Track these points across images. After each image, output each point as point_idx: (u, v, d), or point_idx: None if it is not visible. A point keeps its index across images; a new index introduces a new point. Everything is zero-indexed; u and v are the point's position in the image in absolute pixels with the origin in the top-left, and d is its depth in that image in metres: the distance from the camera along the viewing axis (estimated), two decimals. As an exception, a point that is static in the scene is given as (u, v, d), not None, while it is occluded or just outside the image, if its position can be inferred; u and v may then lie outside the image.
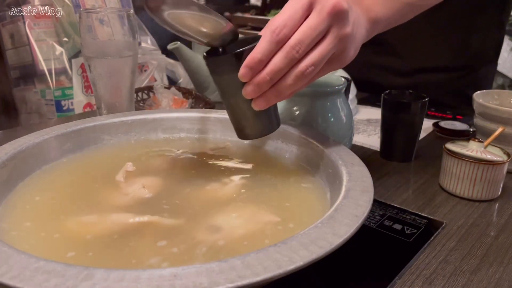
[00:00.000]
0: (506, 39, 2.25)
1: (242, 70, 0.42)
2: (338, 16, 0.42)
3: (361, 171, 0.43)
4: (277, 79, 0.42)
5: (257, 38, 0.43)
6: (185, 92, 0.92)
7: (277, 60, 0.41)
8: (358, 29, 0.46)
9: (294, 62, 0.42)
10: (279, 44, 0.41)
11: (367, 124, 0.89)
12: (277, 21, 0.41)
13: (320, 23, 0.41)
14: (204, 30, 0.45)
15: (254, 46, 0.42)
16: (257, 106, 0.44)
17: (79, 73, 1.23)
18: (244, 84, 0.43)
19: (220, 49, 0.48)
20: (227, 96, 0.46)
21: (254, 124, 0.47)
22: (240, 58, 0.43)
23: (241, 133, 0.49)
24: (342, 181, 0.42)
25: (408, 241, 0.49)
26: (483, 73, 1.06)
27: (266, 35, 0.41)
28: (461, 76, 1.03)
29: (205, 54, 0.46)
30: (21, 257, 0.29)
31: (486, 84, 1.08)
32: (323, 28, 0.41)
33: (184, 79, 1.35)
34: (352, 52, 0.46)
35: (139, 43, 1.33)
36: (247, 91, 0.43)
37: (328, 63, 0.45)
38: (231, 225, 0.41)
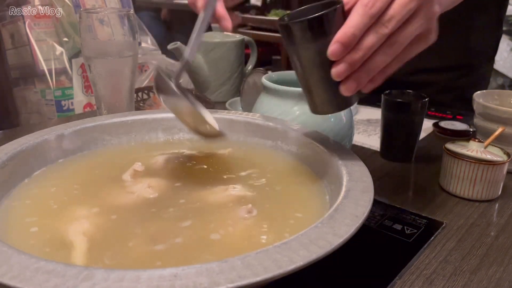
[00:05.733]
0: (506, 39, 2.25)
1: (333, 47, 0.40)
2: None
3: (361, 171, 0.43)
4: (368, 56, 0.41)
5: (332, 3, 0.40)
6: (185, 92, 0.92)
7: (369, 36, 0.40)
8: (442, 8, 0.45)
9: (384, 38, 0.40)
10: (372, 18, 0.39)
11: (367, 124, 0.89)
12: None
13: (412, 1, 0.40)
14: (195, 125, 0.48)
15: (337, 8, 0.40)
16: (347, 89, 0.42)
17: (79, 73, 1.23)
18: (322, 55, 0.40)
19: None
20: (305, 68, 0.43)
21: (334, 99, 0.44)
22: (325, 21, 0.40)
23: (319, 108, 0.46)
24: (342, 181, 0.42)
25: (408, 241, 0.49)
26: (482, 72, 1.06)
27: (358, 9, 0.39)
28: (461, 76, 1.03)
29: (279, 21, 0.43)
30: (21, 257, 0.29)
31: (485, 83, 1.08)
32: (413, 6, 0.40)
33: (184, 79, 1.35)
34: (435, 32, 0.44)
35: (139, 43, 1.33)
36: (339, 71, 0.41)
37: (416, 42, 0.43)
38: (232, 225, 0.41)
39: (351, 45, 0.40)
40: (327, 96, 0.44)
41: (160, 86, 0.49)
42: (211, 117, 0.51)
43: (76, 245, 0.37)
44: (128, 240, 0.38)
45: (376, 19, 0.40)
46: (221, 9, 0.55)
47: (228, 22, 0.55)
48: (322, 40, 0.40)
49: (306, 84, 0.45)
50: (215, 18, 0.55)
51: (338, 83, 0.42)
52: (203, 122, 0.46)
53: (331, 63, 0.41)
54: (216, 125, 0.48)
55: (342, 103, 0.45)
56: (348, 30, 0.39)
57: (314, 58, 0.42)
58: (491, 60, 1.10)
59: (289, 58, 0.45)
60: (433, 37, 0.44)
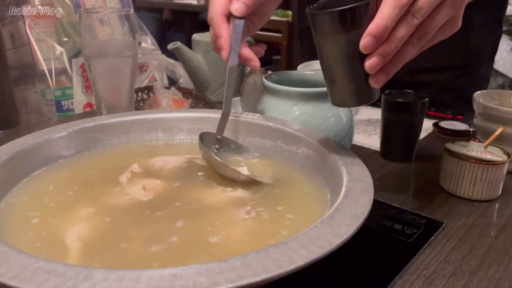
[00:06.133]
0: (506, 39, 2.25)
1: (366, 39, 0.39)
2: None
3: (361, 171, 0.43)
4: (398, 48, 0.41)
5: None
6: (185, 92, 0.92)
7: (401, 28, 0.40)
8: None
9: (413, 29, 0.40)
10: (403, 9, 0.39)
11: (367, 124, 0.89)
12: None
13: None
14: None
15: (368, 2, 0.40)
16: (377, 81, 0.42)
17: (79, 73, 1.23)
18: (352, 47, 0.40)
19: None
20: (333, 59, 0.42)
21: (360, 91, 0.43)
22: (357, 13, 0.39)
23: (344, 101, 0.45)
24: (342, 181, 0.42)
25: (408, 241, 0.49)
26: (482, 72, 1.06)
27: (389, 0, 0.39)
28: (460, 75, 1.03)
29: (308, 10, 0.42)
30: (21, 257, 0.29)
31: (484, 83, 1.08)
32: None
33: (184, 79, 1.35)
34: (461, 19, 0.44)
35: (139, 43, 1.33)
36: (372, 64, 0.40)
37: (442, 29, 0.43)
38: (230, 225, 0.41)
39: (383, 37, 0.39)
40: (353, 88, 0.43)
41: (203, 153, 0.51)
42: (245, 171, 0.52)
43: (69, 247, 0.37)
44: (122, 241, 0.38)
45: (406, 8, 0.39)
46: (246, 51, 0.53)
47: (255, 62, 0.54)
48: (354, 32, 0.40)
49: (332, 76, 0.44)
50: (242, 59, 0.54)
51: (365, 75, 0.42)
52: (238, 175, 0.49)
53: (361, 55, 0.41)
54: (248, 175, 0.50)
55: (366, 97, 0.44)
56: (381, 21, 0.39)
57: (344, 50, 0.41)
58: (491, 60, 1.10)
59: (316, 48, 0.44)
60: (458, 25, 0.44)
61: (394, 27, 0.40)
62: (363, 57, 0.41)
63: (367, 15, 0.40)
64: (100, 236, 0.39)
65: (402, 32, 0.40)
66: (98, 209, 0.43)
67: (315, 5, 0.43)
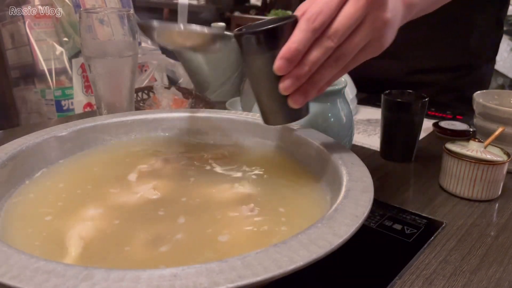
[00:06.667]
0: (506, 39, 2.25)
1: (278, 62, 0.40)
2: (376, 4, 0.40)
3: (361, 171, 0.43)
4: (314, 70, 0.41)
5: (288, 17, 0.41)
6: (185, 92, 0.92)
7: (314, 50, 0.40)
8: (397, 15, 0.44)
9: (330, 52, 0.40)
10: (316, 32, 0.39)
11: (367, 124, 0.89)
12: (313, 8, 0.39)
13: (357, 11, 0.39)
14: (194, 43, 0.46)
15: (285, 24, 0.40)
16: (295, 102, 0.42)
17: (79, 73, 1.23)
18: (270, 67, 0.41)
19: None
20: (255, 79, 0.44)
21: (284, 110, 0.44)
22: (272, 35, 0.41)
23: (269, 119, 0.46)
24: (342, 181, 0.42)
25: (408, 241, 0.49)
26: (482, 72, 1.06)
27: (302, 24, 0.39)
28: (461, 76, 1.03)
29: (235, 31, 0.43)
30: (21, 257, 0.29)
31: (485, 83, 1.08)
32: (360, 16, 0.40)
33: (184, 79, 1.35)
34: (390, 37, 0.43)
35: (139, 43, 1.33)
36: (285, 86, 0.41)
37: (364, 50, 0.43)
38: (234, 224, 0.41)
39: (295, 60, 0.40)
40: (277, 108, 0.45)
41: (145, 29, 0.47)
42: (199, 27, 0.48)
43: (70, 248, 0.37)
44: (128, 240, 0.38)
45: (321, 33, 0.40)
46: None
47: None
48: (271, 53, 0.41)
49: (258, 95, 0.45)
50: None
51: (285, 95, 0.43)
52: (198, 36, 0.45)
53: (280, 76, 0.41)
54: (208, 30, 0.47)
55: (293, 115, 0.45)
56: (292, 45, 0.39)
57: (263, 70, 0.42)
58: (492, 60, 1.10)
59: None
60: (384, 45, 0.43)
61: (308, 50, 0.40)
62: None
63: (283, 38, 0.40)
64: (104, 237, 0.39)
65: (316, 55, 0.40)
66: (102, 208, 0.43)
67: (243, 29, 0.44)
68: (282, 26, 0.41)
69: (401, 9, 0.46)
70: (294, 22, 0.41)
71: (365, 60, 0.44)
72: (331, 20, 0.39)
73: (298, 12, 0.41)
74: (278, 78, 0.42)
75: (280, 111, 0.45)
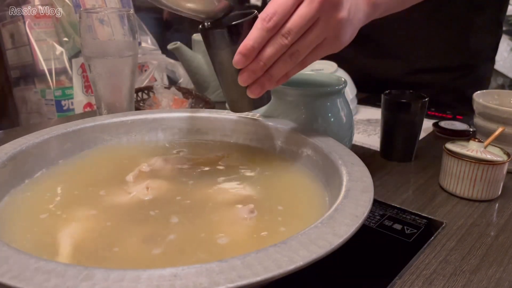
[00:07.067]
0: (506, 39, 2.25)
1: (236, 57, 0.44)
2: (329, 4, 0.43)
3: (361, 171, 0.43)
4: (269, 65, 0.45)
5: (250, 13, 0.45)
6: (185, 92, 0.92)
7: (269, 47, 0.43)
8: (356, 14, 0.47)
9: (284, 49, 0.44)
10: (270, 31, 0.43)
11: (367, 124, 0.89)
12: (269, 9, 0.43)
13: (310, 11, 0.42)
14: (196, 7, 0.46)
15: (244, 22, 0.44)
16: (252, 93, 0.46)
17: (79, 73, 1.23)
18: (229, 60, 0.45)
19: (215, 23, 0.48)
20: (219, 70, 0.48)
21: (246, 99, 0.48)
22: (233, 32, 0.44)
23: (234, 107, 0.51)
24: (342, 181, 0.42)
25: (408, 241, 0.49)
26: (482, 72, 1.06)
27: (258, 23, 0.43)
28: (460, 76, 1.03)
29: (200, 26, 0.47)
30: (21, 257, 0.29)
31: (485, 83, 1.08)
32: (313, 16, 0.43)
33: (184, 79, 1.35)
34: (348, 36, 0.47)
35: (139, 43, 1.33)
36: (243, 78, 0.45)
37: (321, 46, 0.46)
38: (233, 225, 0.41)
39: (251, 56, 0.44)
40: (239, 97, 0.49)
41: None
42: None
43: (62, 249, 0.37)
44: (122, 240, 0.38)
45: (275, 31, 0.43)
46: None
47: None
48: (231, 48, 0.45)
49: (222, 85, 0.49)
50: None
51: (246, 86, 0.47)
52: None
53: (240, 69, 0.46)
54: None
55: (255, 103, 0.50)
56: (248, 43, 0.43)
57: (225, 63, 0.47)
58: (491, 60, 1.10)
59: None
60: (342, 42, 0.47)
61: (264, 47, 0.44)
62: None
63: (242, 35, 0.44)
64: (100, 237, 0.39)
65: (270, 51, 0.43)
66: (100, 209, 0.43)
67: (206, 22, 0.48)
68: (241, 23, 0.44)
69: (363, 8, 0.49)
70: (254, 18, 0.44)
71: (325, 55, 0.47)
72: (286, 20, 0.43)
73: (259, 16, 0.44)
74: (238, 71, 0.46)
75: (242, 99, 0.49)
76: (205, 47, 0.48)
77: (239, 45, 0.44)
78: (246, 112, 0.57)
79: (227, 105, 0.53)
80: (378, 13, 0.53)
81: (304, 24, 0.43)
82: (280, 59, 0.45)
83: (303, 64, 0.47)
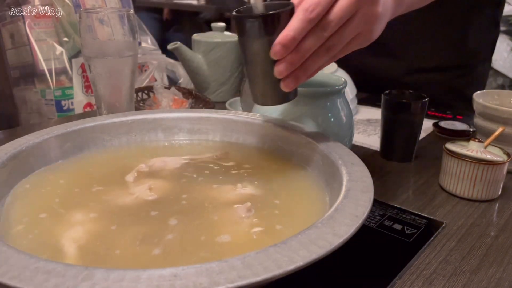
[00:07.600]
0: (506, 39, 2.25)
1: (276, 48, 0.42)
2: None
3: (361, 171, 0.43)
4: (306, 57, 0.44)
5: (286, 4, 0.43)
6: (185, 92, 0.92)
7: (308, 39, 0.43)
8: (387, 9, 0.47)
9: (323, 41, 0.43)
10: (311, 22, 0.42)
11: (367, 124, 0.89)
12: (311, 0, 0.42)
13: (350, 4, 0.42)
14: None
15: (283, 11, 0.43)
16: (287, 86, 0.45)
17: (79, 73, 1.23)
18: (268, 50, 0.43)
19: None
20: (250, 60, 0.46)
21: (275, 92, 0.47)
22: (270, 21, 0.43)
23: (261, 99, 0.49)
24: (342, 181, 0.42)
25: (408, 241, 0.49)
26: (479, 72, 1.07)
27: (299, 13, 0.42)
28: (459, 75, 1.04)
29: (234, 12, 0.45)
30: (21, 257, 0.29)
31: (482, 83, 1.08)
32: (352, 9, 0.42)
33: (184, 79, 1.35)
34: (379, 31, 0.47)
35: (139, 43, 1.33)
36: (280, 70, 0.44)
37: (354, 40, 0.45)
38: (231, 225, 0.41)
39: (291, 47, 0.43)
40: (268, 90, 0.47)
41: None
42: None
43: (66, 250, 0.37)
44: (121, 241, 0.38)
45: (315, 22, 0.42)
46: None
47: None
48: (268, 38, 0.43)
49: (251, 76, 0.48)
50: None
51: (278, 79, 0.45)
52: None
53: (274, 60, 0.44)
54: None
55: (282, 97, 0.48)
56: (289, 33, 0.42)
57: (259, 54, 0.45)
58: (489, 60, 1.10)
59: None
60: (372, 37, 0.47)
61: (303, 38, 0.43)
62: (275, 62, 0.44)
63: (280, 25, 0.43)
64: (102, 237, 0.39)
65: (310, 43, 0.43)
66: (101, 210, 0.43)
67: (241, 9, 0.46)
68: (281, 13, 0.43)
69: (391, 4, 0.49)
70: (292, 10, 0.43)
71: (352, 51, 0.47)
72: (326, 12, 0.42)
73: (299, 6, 0.43)
74: (273, 62, 0.44)
75: (271, 93, 0.47)
76: (237, 35, 0.46)
77: (275, 36, 0.42)
78: (270, 106, 0.54)
79: (252, 99, 0.50)
80: (401, 10, 0.53)
81: (343, 17, 0.42)
82: (316, 52, 0.44)
83: (334, 58, 0.46)
